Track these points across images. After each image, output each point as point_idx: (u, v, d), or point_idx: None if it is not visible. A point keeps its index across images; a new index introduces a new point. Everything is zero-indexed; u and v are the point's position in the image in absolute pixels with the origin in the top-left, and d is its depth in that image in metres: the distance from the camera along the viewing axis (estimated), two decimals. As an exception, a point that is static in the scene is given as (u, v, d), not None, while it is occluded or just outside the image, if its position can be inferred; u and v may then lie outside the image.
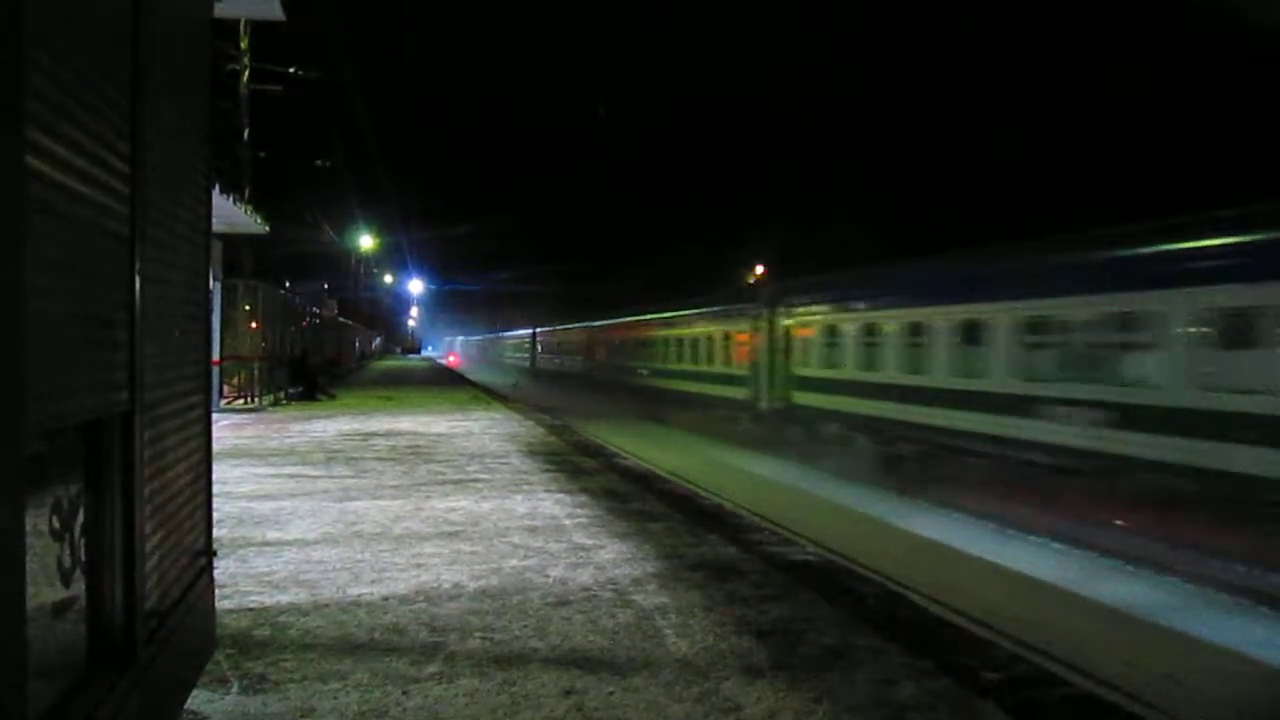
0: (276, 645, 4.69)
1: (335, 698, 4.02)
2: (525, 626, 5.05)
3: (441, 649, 4.67)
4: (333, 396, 25.71)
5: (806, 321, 20.29)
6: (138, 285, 2.90)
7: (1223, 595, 9.70)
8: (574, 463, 12.28)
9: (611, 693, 4.12)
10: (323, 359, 33.02)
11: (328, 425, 17.16)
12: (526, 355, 65.63)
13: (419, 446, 13.80)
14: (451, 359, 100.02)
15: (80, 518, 2.64)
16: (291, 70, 26.59)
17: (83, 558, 2.64)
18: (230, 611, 5.13)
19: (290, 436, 15.13)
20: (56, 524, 2.45)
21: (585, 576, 6.13)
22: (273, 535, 7.37)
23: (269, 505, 8.69)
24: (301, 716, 3.83)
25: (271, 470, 11.08)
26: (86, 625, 2.69)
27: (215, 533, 4.36)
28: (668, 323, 30.79)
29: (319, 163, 32.62)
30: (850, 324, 18.38)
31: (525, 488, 9.96)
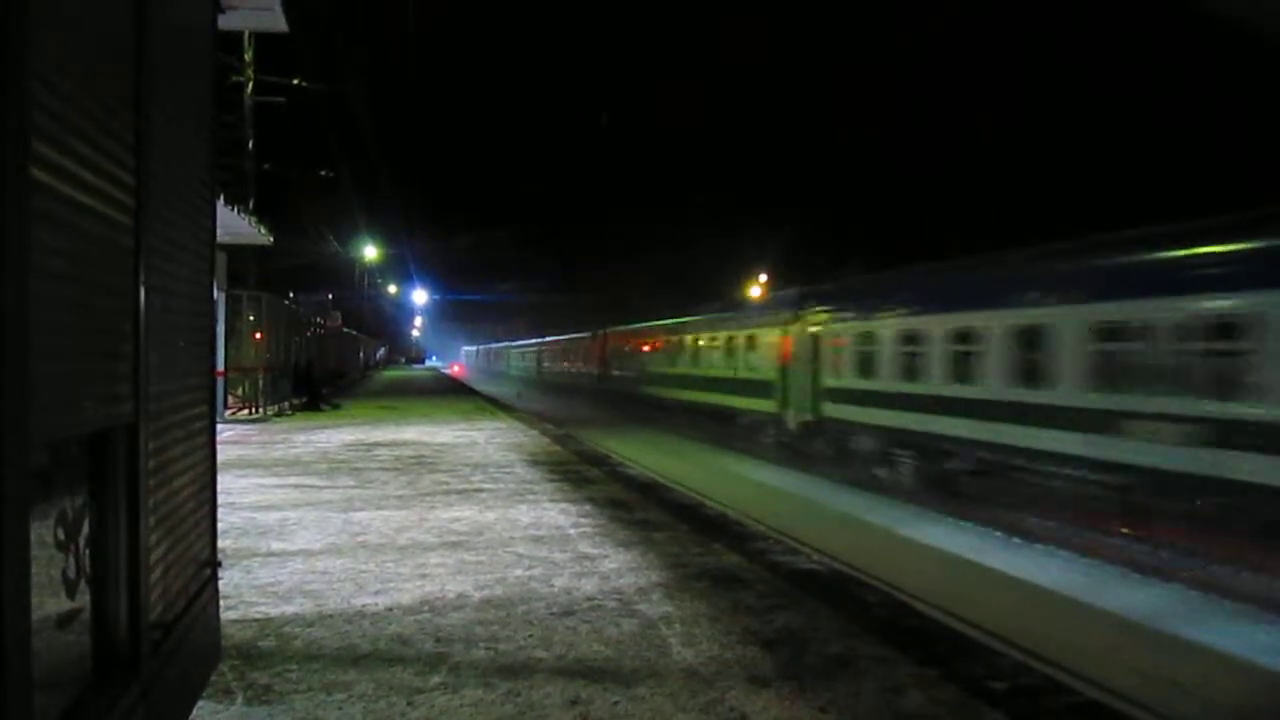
0: (281, 656, 4.69)
1: (340, 708, 4.02)
2: (530, 636, 5.04)
3: (446, 659, 4.66)
4: (337, 407, 25.74)
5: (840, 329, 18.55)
6: (142, 296, 2.90)
7: (1228, 602, 9.66)
8: (578, 472, 12.28)
9: (617, 702, 4.11)
10: (327, 369, 33.05)
11: (332, 435, 17.17)
12: (533, 365, 65.55)
13: (423, 456, 13.79)
14: (455, 369, 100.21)
15: (85, 529, 2.63)
16: (295, 82, 26.71)
17: (88, 569, 2.64)
18: (235, 622, 5.13)
19: (294, 447, 15.14)
20: (62, 535, 2.45)
21: (590, 586, 6.12)
22: (277, 546, 7.37)
23: (273, 516, 8.69)
24: (306, 727, 3.83)
25: (276, 481, 11.09)
26: (91, 637, 2.69)
27: (220, 543, 4.36)
28: (682, 330, 30.25)
29: (323, 173, 32.69)
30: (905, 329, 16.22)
31: (530, 497, 9.95)
